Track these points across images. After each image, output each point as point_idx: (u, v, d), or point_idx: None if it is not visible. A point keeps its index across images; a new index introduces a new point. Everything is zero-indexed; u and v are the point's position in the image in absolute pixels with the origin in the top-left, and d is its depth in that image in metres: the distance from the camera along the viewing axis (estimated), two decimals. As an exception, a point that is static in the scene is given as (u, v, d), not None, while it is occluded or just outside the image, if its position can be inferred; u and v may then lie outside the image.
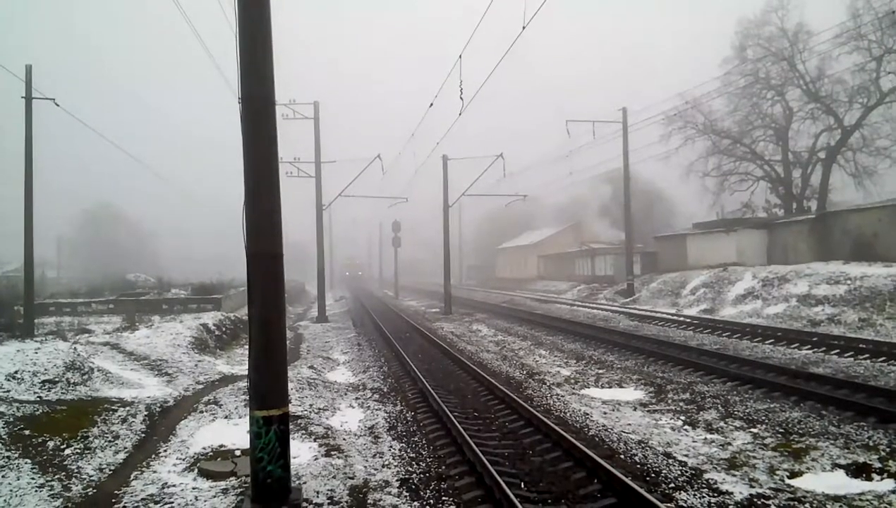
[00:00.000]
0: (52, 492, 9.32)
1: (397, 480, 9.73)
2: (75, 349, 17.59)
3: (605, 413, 13.68)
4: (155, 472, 10.26)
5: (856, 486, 9.02)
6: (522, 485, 9.36)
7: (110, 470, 10.47)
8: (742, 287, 35.35)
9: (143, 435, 12.41)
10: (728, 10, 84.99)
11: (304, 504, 8.31)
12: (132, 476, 10.07)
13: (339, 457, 10.66)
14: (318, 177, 39.60)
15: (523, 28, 10.58)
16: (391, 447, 11.52)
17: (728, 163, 54.29)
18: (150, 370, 18.81)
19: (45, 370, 14.82)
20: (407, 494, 9.16)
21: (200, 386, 17.44)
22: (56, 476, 9.86)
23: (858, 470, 9.49)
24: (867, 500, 8.49)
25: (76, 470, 10.27)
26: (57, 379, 14.65)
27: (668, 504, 8.31)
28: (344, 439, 11.97)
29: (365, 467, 10.34)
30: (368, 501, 8.86)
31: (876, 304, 26.27)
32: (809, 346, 21.49)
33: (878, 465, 9.60)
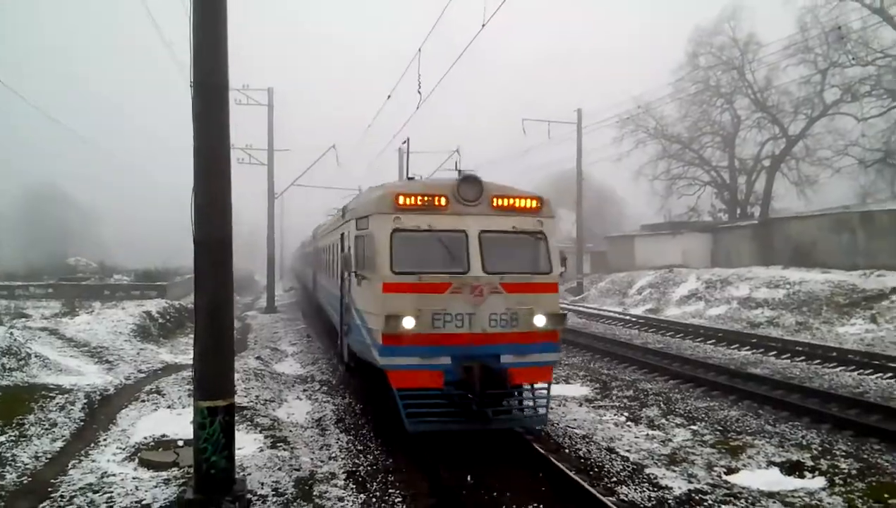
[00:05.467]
0: (-17, 481, 9.00)
1: (344, 472, 9.70)
2: (12, 334, 17.00)
3: (552, 408, 13.87)
4: (94, 461, 9.99)
5: (789, 483, 9.37)
6: (469, 478, 9.42)
7: (47, 459, 10.17)
8: (686, 288, 36.29)
9: (81, 424, 12.07)
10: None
11: (249, 496, 8.21)
12: (70, 465, 9.80)
13: (285, 449, 10.56)
14: (271, 165, 39.02)
15: (483, 26, 10.64)
16: (338, 439, 11.47)
17: (677, 167, 55.66)
18: (90, 357, 18.29)
19: (-21, 355, 14.28)
20: (353, 486, 9.14)
21: (143, 375, 17.04)
22: (-12, 465, 9.53)
23: (792, 468, 9.85)
24: (799, 497, 8.83)
25: (10, 458, 9.94)
26: (-9, 365, 14.13)
27: (610, 498, 8.49)
28: (290, 431, 11.86)
29: (311, 459, 10.27)
30: (314, 493, 8.80)
31: (813, 309, 27.28)
32: (749, 347, 22.20)
33: (810, 463, 9.98)
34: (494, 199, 10.56)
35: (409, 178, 12.21)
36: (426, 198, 10.28)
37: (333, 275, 16.42)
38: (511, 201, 10.64)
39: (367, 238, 10.54)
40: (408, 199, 10.22)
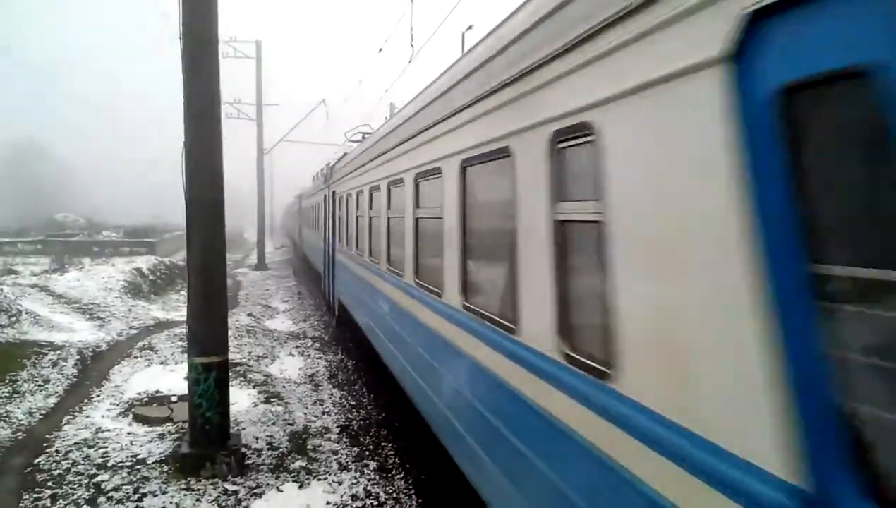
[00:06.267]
0: (-22, 436, 9.06)
1: (337, 427, 9.81)
2: (1, 290, 16.93)
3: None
4: (88, 417, 10.06)
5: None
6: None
7: (41, 415, 10.22)
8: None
9: (74, 380, 12.12)
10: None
11: (244, 450, 8.31)
12: (64, 421, 9.86)
13: (278, 404, 10.67)
14: (260, 120, 38.52)
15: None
16: (331, 394, 11.58)
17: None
18: (81, 313, 18.29)
19: (-31, 311, 14.24)
20: (347, 440, 9.26)
21: (135, 331, 17.06)
22: (-18, 420, 9.58)
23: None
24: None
25: (4, 414, 10.00)
26: (-19, 321, 14.10)
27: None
28: (284, 386, 11.96)
29: (305, 414, 10.38)
30: (308, 447, 8.92)
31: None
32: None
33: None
34: None
35: None
36: None
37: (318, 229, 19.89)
38: None
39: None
40: None
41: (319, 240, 22.61)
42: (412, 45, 13.86)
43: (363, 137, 14.08)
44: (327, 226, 18.67)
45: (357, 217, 12.10)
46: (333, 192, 16.93)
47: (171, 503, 7.18)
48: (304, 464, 8.32)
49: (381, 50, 19.68)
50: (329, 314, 19.12)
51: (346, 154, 15.49)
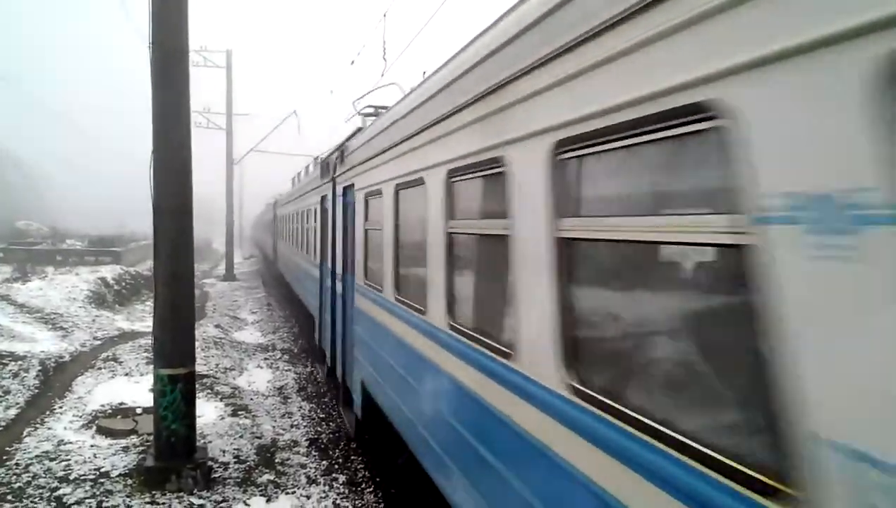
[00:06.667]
0: (-66, 450, 8.82)
1: (306, 440, 9.74)
2: (-40, 299, 16.53)
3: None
4: (50, 429, 9.85)
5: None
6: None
7: (1, 427, 9.98)
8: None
9: (36, 391, 11.86)
10: None
11: (210, 463, 8.21)
12: (25, 433, 9.64)
13: (246, 417, 10.55)
14: (230, 129, 38.26)
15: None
16: (301, 407, 11.49)
17: None
18: (44, 323, 17.91)
19: (-74, 321, 13.86)
20: (316, 453, 9.20)
21: (98, 342, 16.75)
22: (-61, 433, 9.33)
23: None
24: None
25: (-38, 427, 9.75)
26: (-61, 331, 13.75)
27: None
28: (252, 399, 11.84)
29: (273, 427, 10.28)
30: (276, 460, 8.84)
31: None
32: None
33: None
34: None
35: None
36: None
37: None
38: None
39: None
40: None
41: (309, 264, 15.85)
42: (384, 59, 13.92)
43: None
44: (327, 243, 12.17)
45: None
46: (345, 189, 10.18)
47: (134, 517, 7.07)
48: (271, 478, 8.24)
49: (353, 62, 19.72)
50: (338, 404, 11.33)
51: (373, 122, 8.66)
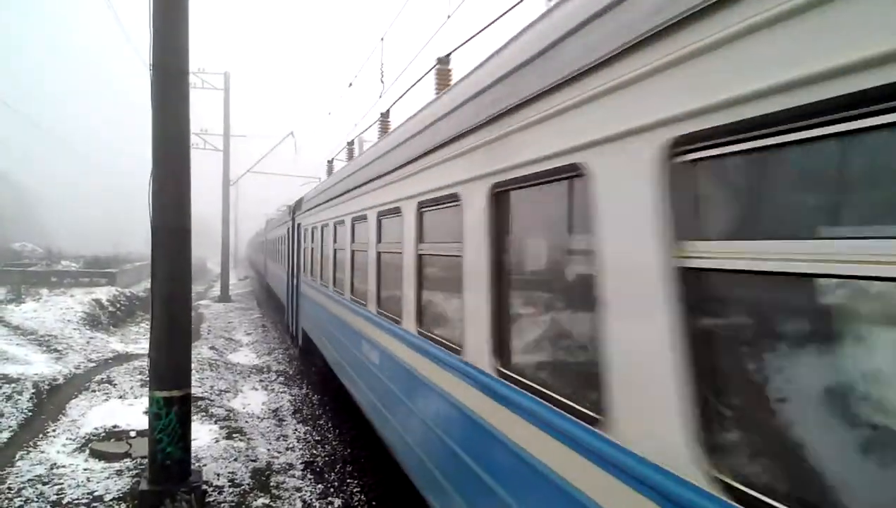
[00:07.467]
0: (-75, 473, 8.70)
1: (301, 463, 9.65)
2: (-47, 321, 16.42)
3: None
4: (43, 452, 9.74)
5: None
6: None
7: (-8, 450, 9.88)
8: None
9: (29, 414, 11.75)
10: None
11: (205, 487, 8.11)
12: (17, 457, 9.53)
13: (241, 440, 10.46)
14: (227, 150, 38.33)
15: (448, 17, 10.59)
16: (296, 430, 11.40)
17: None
18: (37, 345, 17.80)
19: (-81, 342, 13.76)
20: (311, 477, 9.11)
21: (93, 364, 16.64)
22: (-70, 457, 9.22)
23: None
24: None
25: (-47, 450, 9.64)
26: (-68, 353, 13.64)
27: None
28: (246, 421, 11.74)
29: (268, 450, 10.19)
30: (271, 484, 8.75)
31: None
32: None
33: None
34: None
35: None
36: None
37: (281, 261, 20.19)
38: None
39: None
40: None
41: (282, 271, 22.87)
42: (382, 81, 14.01)
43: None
44: (291, 256, 18.97)
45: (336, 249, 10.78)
46: (298, 224, 17.16)
47: (128, 542, 6.97)
48: (266, 502, 8.15)
49: (350, 84, 19.85)
50: (293, 344, 19.18)
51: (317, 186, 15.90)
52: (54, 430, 10.87)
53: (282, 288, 23.36)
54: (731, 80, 2.06)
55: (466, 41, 6.91)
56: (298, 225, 17.05)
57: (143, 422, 9.09)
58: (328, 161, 18.87)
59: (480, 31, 6.80)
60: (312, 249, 13.88)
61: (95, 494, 8.13)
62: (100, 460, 9.43)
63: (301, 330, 16.00)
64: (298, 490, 8.62)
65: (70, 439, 10.39)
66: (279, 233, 26.07)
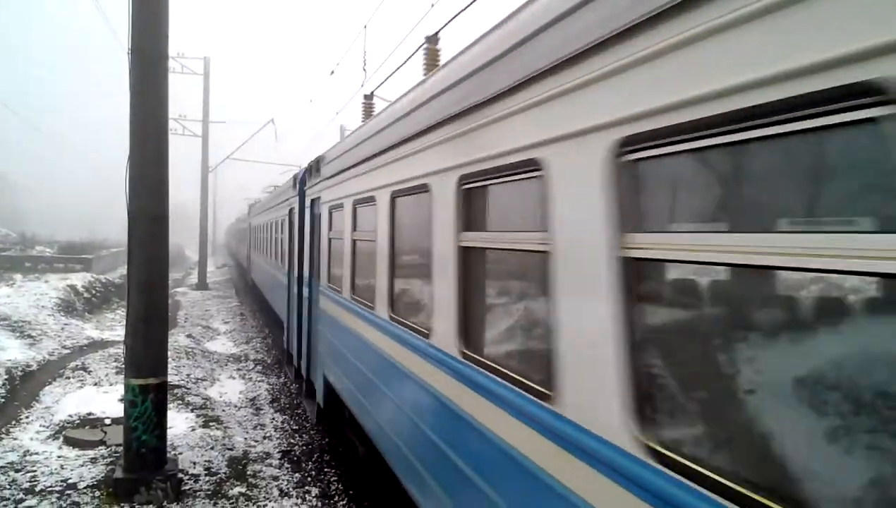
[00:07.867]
0: None
1: (279, 452, 9.63)
2: (-77, 305, 16.14)
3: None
4: (15, 439, 9.63)
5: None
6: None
7: (-37, 437, 9.74)
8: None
9: (2, 400, 11.60)
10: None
11: (180, 475, 8.07)
12: (-11, 444, 9.41)
13: (217, 429, 10.41)
14: (206, 137, 37.93)
15: (432, 5, 10.54)
16: (273, 419, 11.37)
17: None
18: (11, 331, 17.52)
19: None
20: (289, 466, 9.10)
21: (67, 351, 16.46)
22: None
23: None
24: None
25: (-77, 437, 9.49)
26: None
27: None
28: (223, 410, 11.69)
29: (245, 439, 10.16)
30: (248, 472, 8.72)
31: None
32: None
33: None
34: None
35: None
36: None
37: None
38: None
39: None
40: None
41: (277, 272, 16.98)
42: (365, 70, 13.93)
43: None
44: (296, 252, 12.89)
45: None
46: (313, 201, 10.93)
47: (102, 530, 6.92)
48: (243, 490, 8.13)
49: (332, 72, 19.70)
50: (299, 393, 12.47)
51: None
52: (27, 417, 10.74)
53: (277, 297, 17.17)
54: (674, 86, 2.23)
55: (454, 17, 6.93)
56: (313, 201, 10.76)
57: (118, 410, 9.01)
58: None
59: (465, 8, 6.82)
60: (338, 243, 8.36)
61: (69, 482, 8.05)
62: (74, 447, 9.34)
63: (323, 380, 9.40)
64: (275, 478, 8.60)
65: (44, 426, 10.27)
66: (273, 217, 18.98)
